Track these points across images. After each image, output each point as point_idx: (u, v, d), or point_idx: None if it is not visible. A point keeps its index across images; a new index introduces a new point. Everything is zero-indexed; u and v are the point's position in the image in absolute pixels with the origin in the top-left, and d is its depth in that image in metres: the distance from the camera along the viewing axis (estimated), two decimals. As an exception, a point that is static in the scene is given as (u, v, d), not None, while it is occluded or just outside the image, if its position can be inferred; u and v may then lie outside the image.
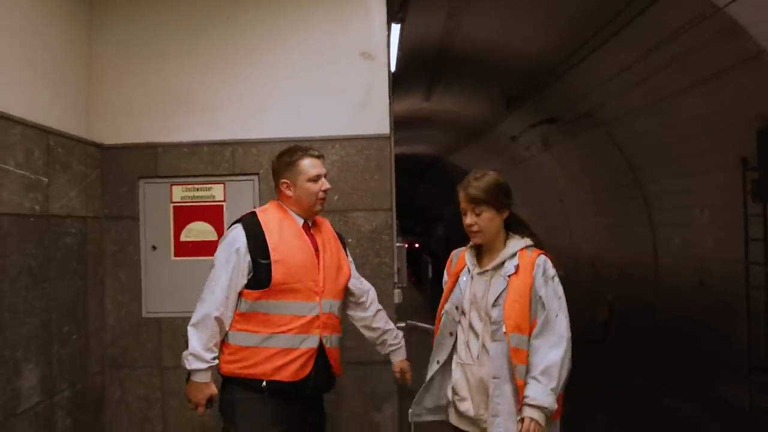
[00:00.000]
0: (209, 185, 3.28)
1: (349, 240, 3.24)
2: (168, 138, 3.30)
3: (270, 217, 2.49)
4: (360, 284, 2.72)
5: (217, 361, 2.38)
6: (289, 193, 2.51)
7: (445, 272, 2.53)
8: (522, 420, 2.16)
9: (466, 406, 2.33)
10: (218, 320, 2.35)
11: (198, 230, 3.29)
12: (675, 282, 8.10)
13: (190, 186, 3.29)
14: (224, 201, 3.27)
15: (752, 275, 6.19)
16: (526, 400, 2.17)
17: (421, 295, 13.59)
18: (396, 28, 4.71)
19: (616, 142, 8.69)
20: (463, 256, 2.45)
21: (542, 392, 2.16)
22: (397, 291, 3.35)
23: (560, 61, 7.68)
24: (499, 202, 2.32)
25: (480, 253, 2.41)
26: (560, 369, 2.20)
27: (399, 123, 4.15)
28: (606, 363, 8.48)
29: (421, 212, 25.41)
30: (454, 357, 2.38)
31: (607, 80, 7.58)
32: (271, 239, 2.40)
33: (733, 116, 6.10)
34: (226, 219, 3.22)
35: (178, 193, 3.30)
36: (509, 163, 12.88)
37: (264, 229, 2.42)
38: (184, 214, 3.29)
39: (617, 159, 8.85)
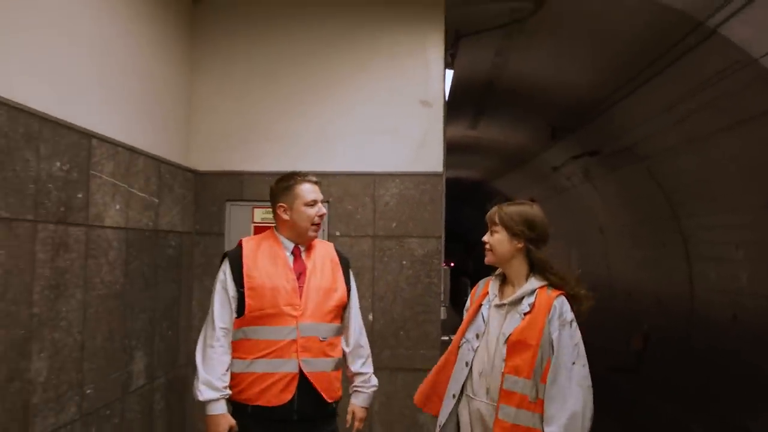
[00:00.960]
0: (286, 210, 3.82)
1: (404, 262, 3.74)
2: (252, 167, 3.85)
3: (252, 246, 2.55)
4: (351, 327, 2.70)
5: (229, 391, 2.45)
6: (285, 217, 2.55)
7: (468, 299, 2.48)
8: None
9: None
10: (221, 349, 2.44)
11: (274, 247, 3.80)
12: (709, 314, 8.30)
13: (269, 209, 3.81)
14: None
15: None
16: None
17: (458, 315, 13.94)
18: (449, 73, 5.20)
19: (655, 178, 8.95)
20: (488, 284, 2.41)
21: None
22: (443, 308, 3.81)
23: (604, 97, 8.03)
24: (516, 229, 2.26)
25: (504, 284, 2.36)
26: (582, 419, 2.09)
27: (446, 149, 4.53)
28: (640, 391, 8.70)
29: (464, 236, 25.70)
30: (467, 389, 2.30)
31: (647, 118, 7.90)
32: (247, 268, 2.47)
33: (765, 158, 6.39)
34: (299, 239, 3.76)
35: (259, 214, 3.85)
36: (551, 191, 13.18)
37: (243, 259, 2.49)
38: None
39: (656, 193, 9.09)
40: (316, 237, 2.62)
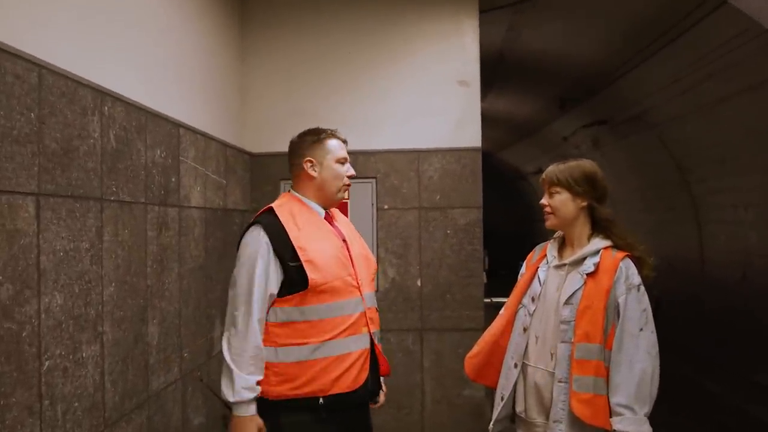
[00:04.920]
0: (336, 186, 4.10)
1: (448, 231, 4.04)
2: (303, 148, 4.13)
3: (289, 212, 2.19)
4: None
5: (259, 387, 2.10)
6: (312, 173, 2.24)
7: (523, 265, 2.36)
8: None
9: (521, 407, 2.19)
10: (259, 339, 2.10)
11: (326, 222, 4.03)
12: (719, 275, 8.61)
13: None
14: (348, 198, 4.08)
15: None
16: None
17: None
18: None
19: (665, 144, 9.20)
20: (546, 248, 2.29)
21: (638, 423, 1.96)
22: (483, 273, 4.12)
23: (613, 68, 8.26)
24: (577, 188, 2.16)
25: (563, 247, 2.26)
26: (650, 387, 1.98)
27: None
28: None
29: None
30: (526, 357, 2.19)
31: (657, 87, 8.13)
32: (294, 237, 2.12)
33: (771, 122, 6.65)
34: (350, 213, 4.04)
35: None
36: (559, 159, 13.42)
37: (286, 227, 2.13)
38: (315, 209, 4.07)
39: (666, 159, 9.33)
40: (343, 200, 2.35)
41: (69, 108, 1.99)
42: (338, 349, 2.13)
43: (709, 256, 8.90)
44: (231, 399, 2.05)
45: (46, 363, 1.85)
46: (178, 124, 2.90)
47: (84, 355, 2.06)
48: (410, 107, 4.08)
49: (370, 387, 2.24)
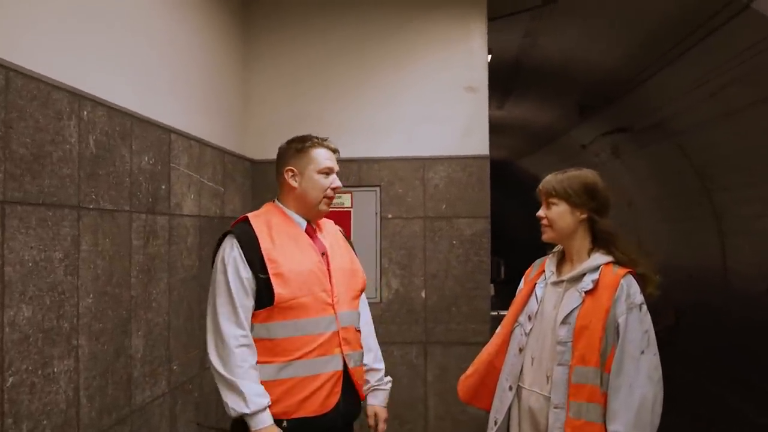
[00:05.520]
0: (340, 194, 3.97)
1: (453, 242, 3.91)
2: (305, 155, 4.04)
3: (265, 223, 2.12)
4: (363, 315, 2.34)
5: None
6: (293, 183, 2.16)
7: (522, 280, 2.25)
8: None
9: None
10: (253, 349, 2.02)
11: (329, 230, 3.93)
12: (742, 287, 8.36)
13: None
14: (351, 207, 3.98)
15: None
16: None
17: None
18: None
19: (686, 152, 8.98)
20: (543, 264, 2.18)
21: None
22: (491, 285, 3.99)
23: (632, 75, 8.09)
24: (576, 198, 2.03)
25: (562, 263, 2.13)
26: (651, 414, 1.85)
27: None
28: (674, 366, 8.80)
29: (492, 217, 25.70)
30: (521, 379, 2.08)
31: (678, 93, 7.93)
32: (266, 248, 2.04)
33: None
34: (353, 222, 3.94)
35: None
36: (570, 167, 13.18)
37: (258, 238, 2.06)
38: (318, 217, 3.97)
39: (687, 168, 9.12)
40: (327, 213, 2.24)
41: (41, 112, 1.90)
42: (305, 370, 2.03)
43: (733, 267, 8.65)
44: (247, 410, 1.94)
45: (10, 379, 1.76)
46: (169, 130, 2.82)
47: (55, 369, 1.97)
48: (416, 113, 3.97)
49: (343, 410, 2.11)
